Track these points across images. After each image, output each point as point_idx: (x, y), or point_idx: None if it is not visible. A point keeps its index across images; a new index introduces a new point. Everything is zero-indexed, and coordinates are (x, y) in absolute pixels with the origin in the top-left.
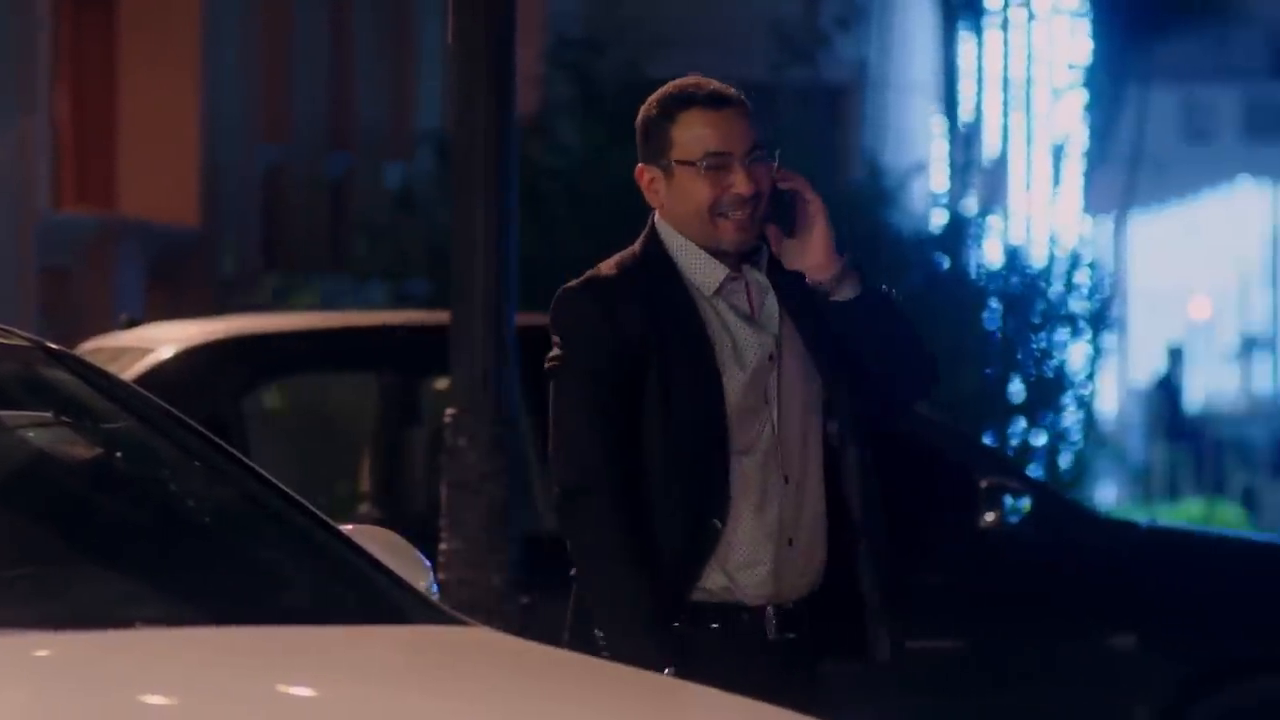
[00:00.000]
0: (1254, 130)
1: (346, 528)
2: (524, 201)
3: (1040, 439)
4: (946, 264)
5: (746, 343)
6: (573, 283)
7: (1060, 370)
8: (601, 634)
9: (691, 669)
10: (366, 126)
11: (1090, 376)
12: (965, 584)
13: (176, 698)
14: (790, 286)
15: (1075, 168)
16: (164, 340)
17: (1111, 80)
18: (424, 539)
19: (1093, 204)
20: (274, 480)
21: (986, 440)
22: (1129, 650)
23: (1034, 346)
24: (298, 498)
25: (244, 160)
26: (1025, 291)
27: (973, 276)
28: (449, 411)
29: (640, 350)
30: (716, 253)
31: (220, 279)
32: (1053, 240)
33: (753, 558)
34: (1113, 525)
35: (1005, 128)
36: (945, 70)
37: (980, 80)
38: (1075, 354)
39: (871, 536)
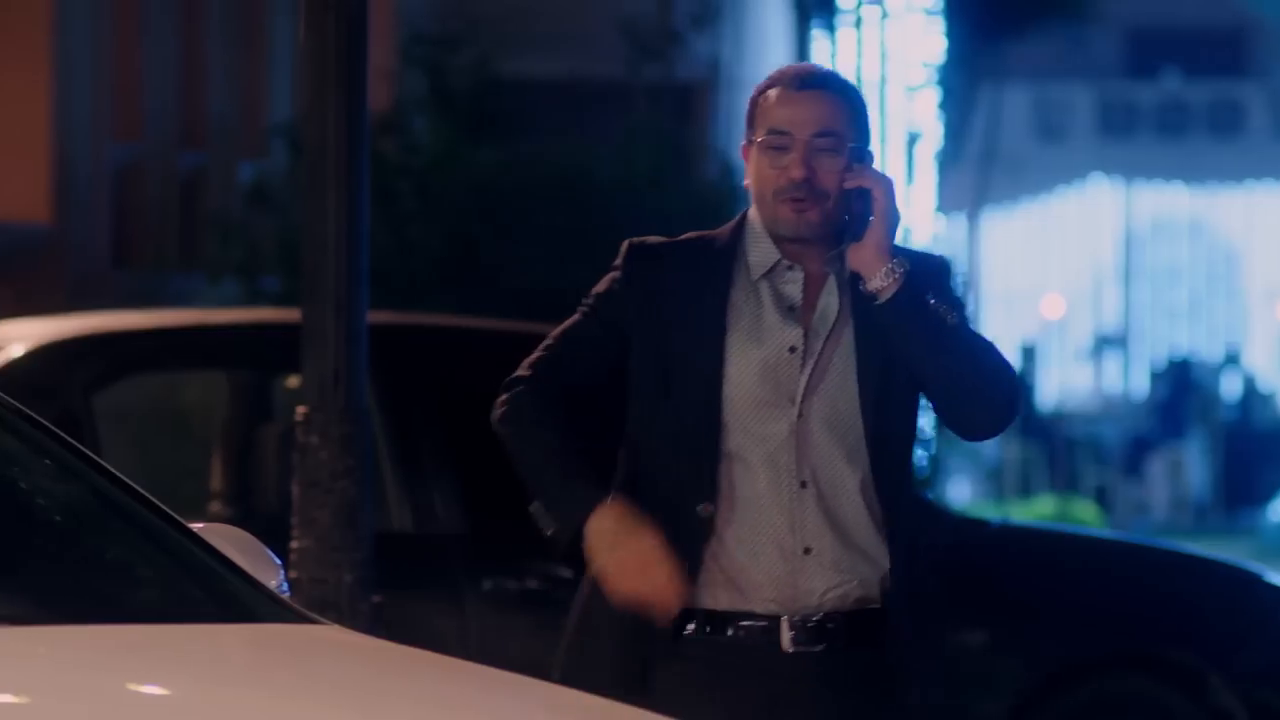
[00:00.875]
0: (1107, 129)
1: (197, 526)
2: (376, 199)
3: None
4: None
5: (770, 330)
6: (642, 238)
7: None
8: (538, 505)
9: (701, 679)
10: (218, 123)
11: None
12: None
13: (26, 696)
14: (859, 292)
15: (929, 166)
16: (14, 338)
17: (965, 79)
18: (275, 538)
19: (946, 202)
20: (124, 478)
21: None
22: (980, 648)
23: None
24: (148, 496)
25: (95, 157)
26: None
27: None
28: (300, 409)
29: (637, 313)
30: (781, 238)
31: (72, 277)
32: (905, 238)
33: (755, 564)
34: (964, 523)
35: None
36: None
37: None
38: None
39: (892, 556)
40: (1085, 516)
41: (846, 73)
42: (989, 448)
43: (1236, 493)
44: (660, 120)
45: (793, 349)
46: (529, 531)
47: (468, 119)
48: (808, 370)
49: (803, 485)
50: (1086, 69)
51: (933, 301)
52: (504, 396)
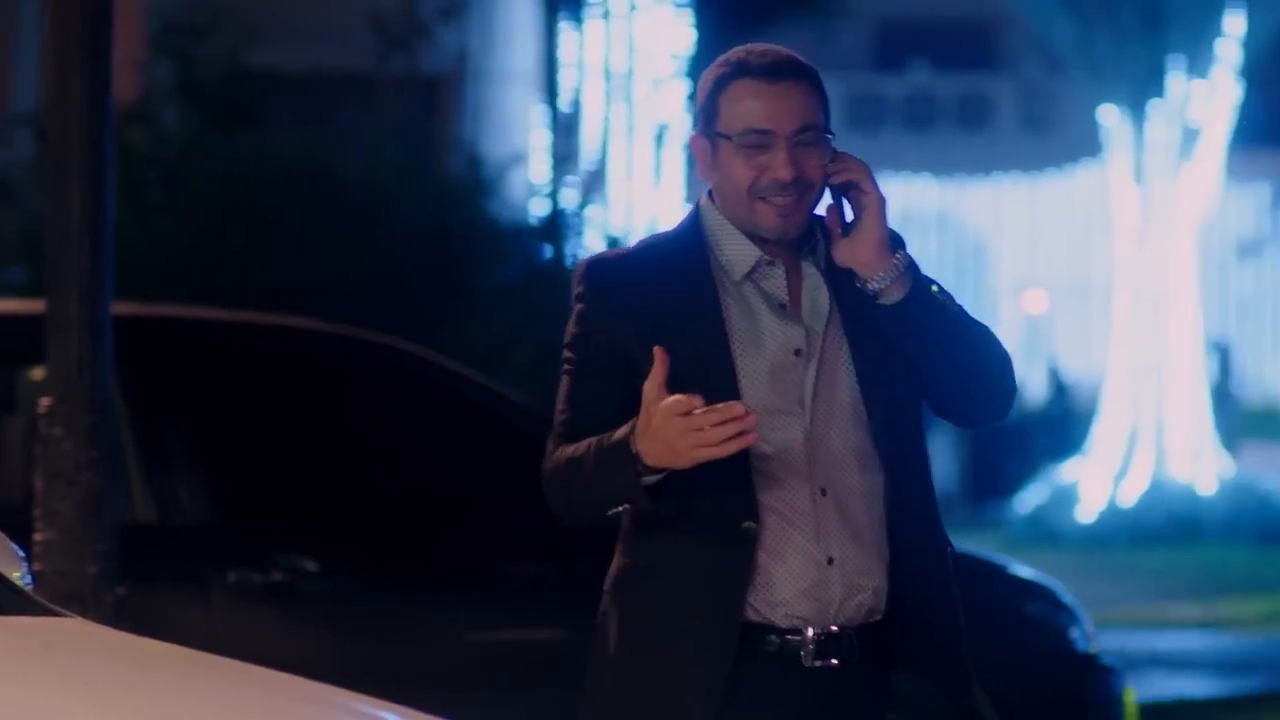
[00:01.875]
0: (856, 121)
1: None
2: (121, 189)
3: None
4: (546, 255)
5: (770, 333)
6: (595, 253)
7: None
8: (610, 494)
9: (722, 694)
10: None
11: None
12: (562, 575)
13: None
14: (848, 286)
15: (676, 158)
16: None
17: None
18: (20, 530)
19: (694, 194)
20: None
21: None
22: None
23: None
24: None
25: None
26: None
27: (572, 267)
28: (44, 401)
29: (627, 337)
30: (756, 236)
31: None
32: (653, 230)
33: (784, 576)
34: None
35: (607, 118)
36: (546, 61)
37: (581, 71)
38: None
39: (908, 557)
40: None
41: (594, 65)
42: None
43: (983, 485)
44: (407, 113)
45: (798, 351)
46: (276, 524)
47: (216, 110)
48: (812, 371)
49: (822, 493)
50: (835, 61)
51: (937, 290)
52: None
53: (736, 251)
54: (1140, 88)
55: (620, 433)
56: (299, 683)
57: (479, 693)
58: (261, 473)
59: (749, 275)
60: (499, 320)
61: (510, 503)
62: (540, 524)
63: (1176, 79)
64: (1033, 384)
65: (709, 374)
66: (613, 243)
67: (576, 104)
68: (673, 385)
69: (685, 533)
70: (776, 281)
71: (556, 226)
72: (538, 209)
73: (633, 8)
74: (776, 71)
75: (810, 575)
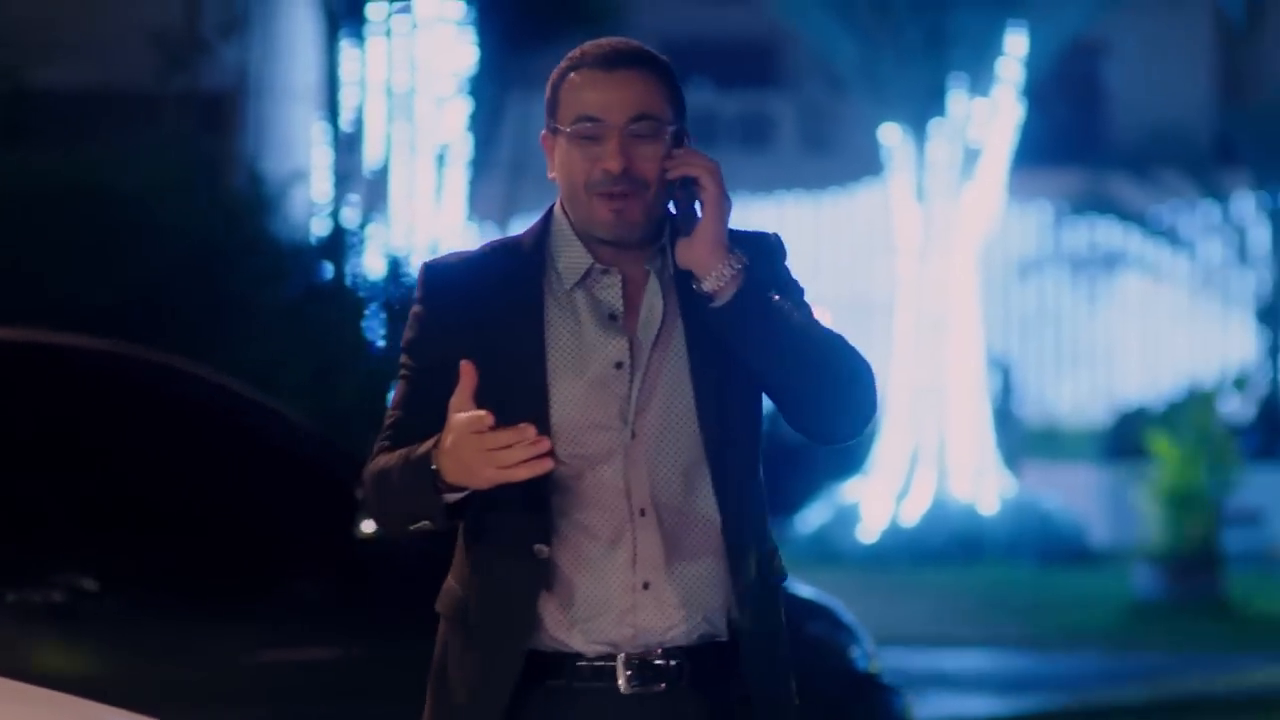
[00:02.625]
0: None
1: None
2: None
3: None
4: (326, 274)
5: (592, 345)
6: (438, 255)
7: None
8: (414, 505)
9: None
10: None
11: None
12: (343, 594)
13: None
14: (692, 292)
15: (458, 176)
16: None
17: (495, 89)
18: None
19: (476, 212)
20: None
21: (364, 451)
22: None
23: None
24: None
25: None
26: (405, 301)
27: (353, 286)
28: None
29: (457, 345)
30: (594, 239)
31: None
32: (434, 249)
33: (600, 602)
34: None
35: (388, 136)
36: (328, 78)
37: (363, 88)
38: None
39: (743, 577)
40: None
41: (376, 83)
42: None
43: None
44: (188, 130)
45: (619, 364)
46: (55, 544)
47: None
48: (637, 384)
49: (641, 513)
50: None
51: (776, 298)
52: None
53: (571, 257)
54: (921, 107)
55: (425, 447)
56: (78, 703)
57: (262, 710)
58: (39, 492)
59: (580, 283)
60: (276, 338)
61: (291, 520)
62: (321, 541)
63: (958, 98)
64: None
65: (520, 388)
66: (393, 262)
67: (358, 122)
68: (484, 398)
69: (483, 555)
70: (610, 290)
71: (337, 245)
72: (319, 227)
73: (414, 26)
74: (613, 60)
75: (622, 600)
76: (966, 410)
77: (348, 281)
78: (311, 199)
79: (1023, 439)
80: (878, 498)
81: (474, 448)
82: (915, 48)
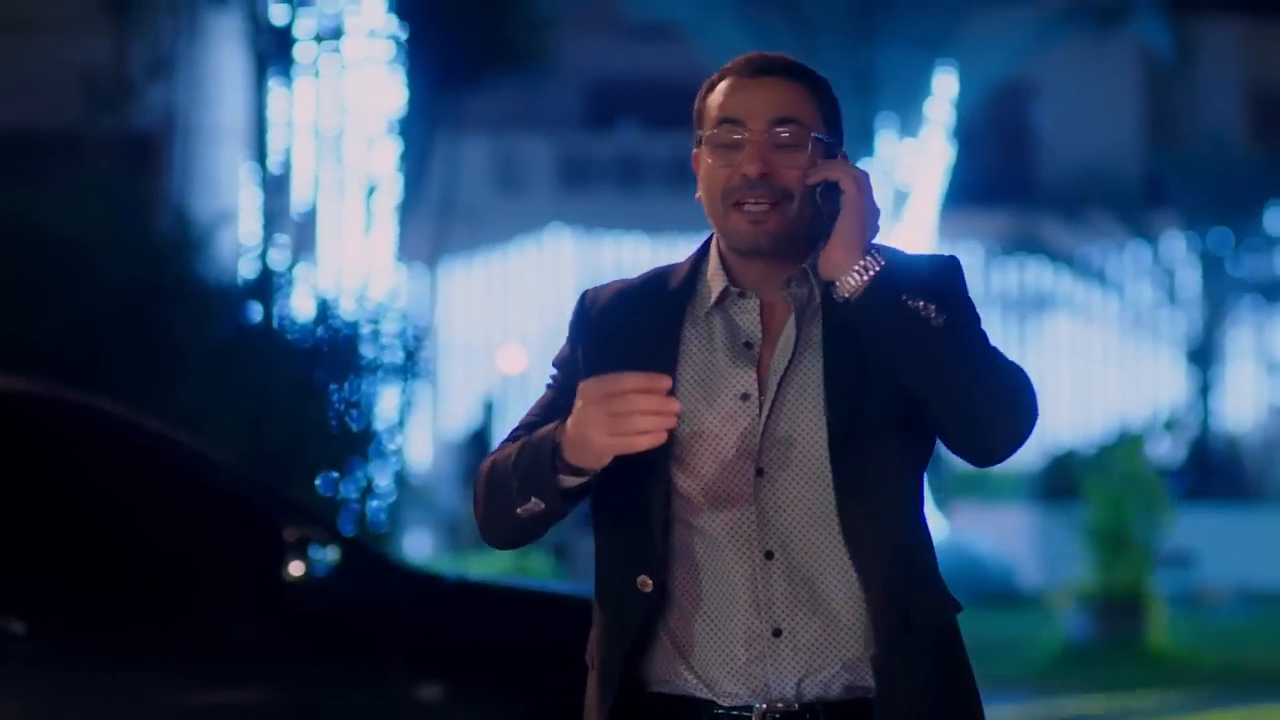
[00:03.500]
0: (567, 180)
1: None
2: None
3: (351, 491)
4: (255, 315)
5: (721, 374)
6: (596, 286)
7: (370, 421)
8: (534, 486)
9: None
10: None
11: (401, 427)
12: (270, 636)
13: None
14: (837, 313)
15: (387, 217)
16: None
17: (424, 130)
18: None
19: (405, 253)
20: None
21: (295, 492)
22: (437, 703)
23: (343, 398)
24: None
25: None
26: (335, 342)
27: (281, 327)
28: None
29: (594, 363)
30: (737, 257)
31: None
32: (363, 291)
33: (721, 647)
34: (419, 577)
35: (317, 177)
36: (256, 118)
37: (292, 129)
38: (386, 405)
39: (884, 621)
40: (542, 569)
41: (304, 123)
42: (448, 502)
43: None
44: (115, 170)
45: (745, 396)
46: None
47: None
48: (763, 417)
49: (768, 556)
50: (545, 121)
51: (908, 300)
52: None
53: (713, 280)
54: (850, 147)
55: (549, 426)
56: None
57: None
58: None
59: (718, 306)
60: (207, 380)
61: (218, 562)
62: (249, 583)
63: (887, 139)
64: None
65: None
66: (321, 304)
67: (287, 162)
68: None
69: (603, 590)
70: (748, 315)
71: (266, 286)
72: (247, 268)
73: (343, 66)
74: (760, 67)
75: (750, 649)
76: None
77: (277, 323)
78: (240, 240)
79: (953, 480)
80: None
81: (600, 408)
82: (843, 87)
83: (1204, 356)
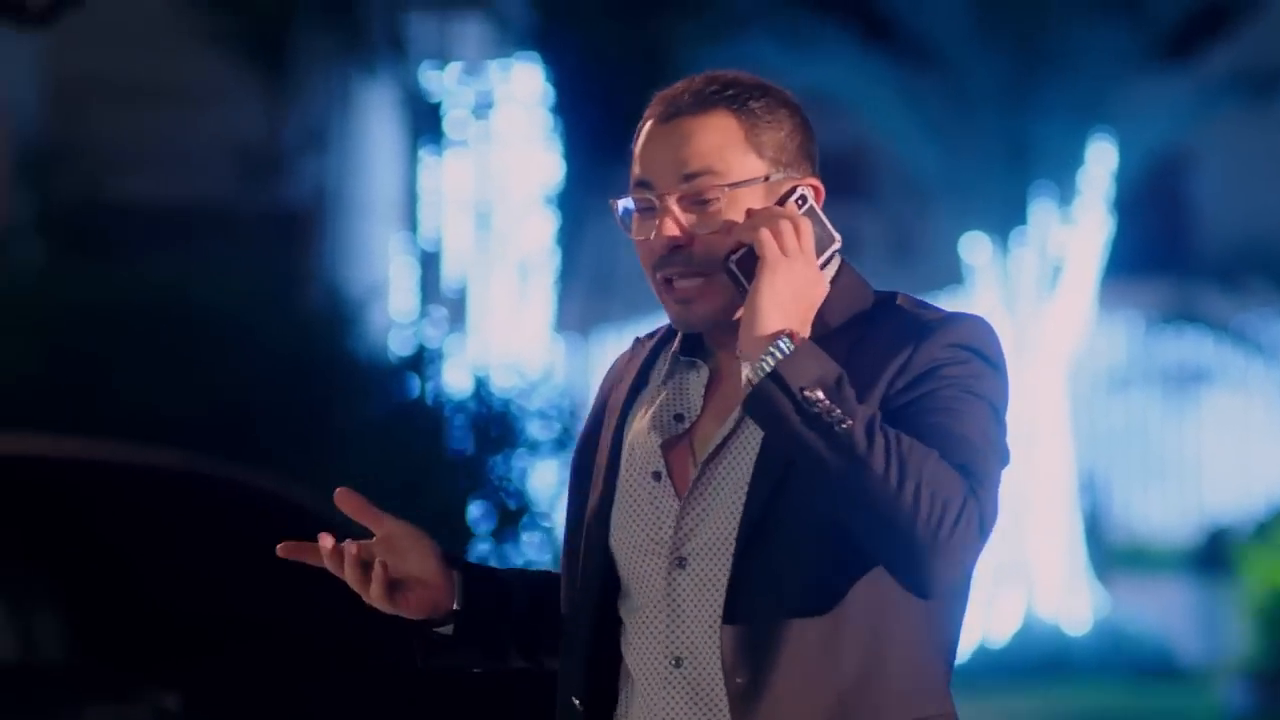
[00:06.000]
0: None
1: None
2: None
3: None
4: (409, 390)
5: (642, 452)
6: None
7: (523, 495)
8: None
9: None
10: None
11: (556, 502)
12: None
13: None
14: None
15: (542, 289)
16: None
17: (578, 200)
18: None
19: (561, 325)
20: None
21: None
22: None
23: (499, 472)
24: None
25: None
26: (490, 417)
27: (436, 402)
28: None
29: (579, 447)
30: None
31: None
32: (519, 364)
33: None
34: None
35: (470, 250)
36: (409, 193)
37: (444, 202)
38: (540, 478)
39: None
40: None
41: (456, 196)
42: None
43: None
44: (267, 244)
45: (656, 474)
46: (137, 661)
47: (74, 239)
48: (673, 501)
49: (676, 663)
50: None
51: (806, 394)
52: None
53: (671, 347)
54: (1006, 218)
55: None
56: None
57: None
58: (119, 607)
59: (672, 376)
60: (360, 455)
61: (373, 644)
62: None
63: (1043, 208)
64: None
65: (599, 499)
66: (478, 381)
67: (439, 235)
68: (578, 510)
69: (557, 705)
70: (693, 385)
71: (419, 360)
72: (400, 343)
73: (497, 139)
74: (672, 108)
75: None
76: (1055, 526)
77: (431, 398)
78: (392, 314)
79: (1112, 555)
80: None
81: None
82: (998, 157)
83: None
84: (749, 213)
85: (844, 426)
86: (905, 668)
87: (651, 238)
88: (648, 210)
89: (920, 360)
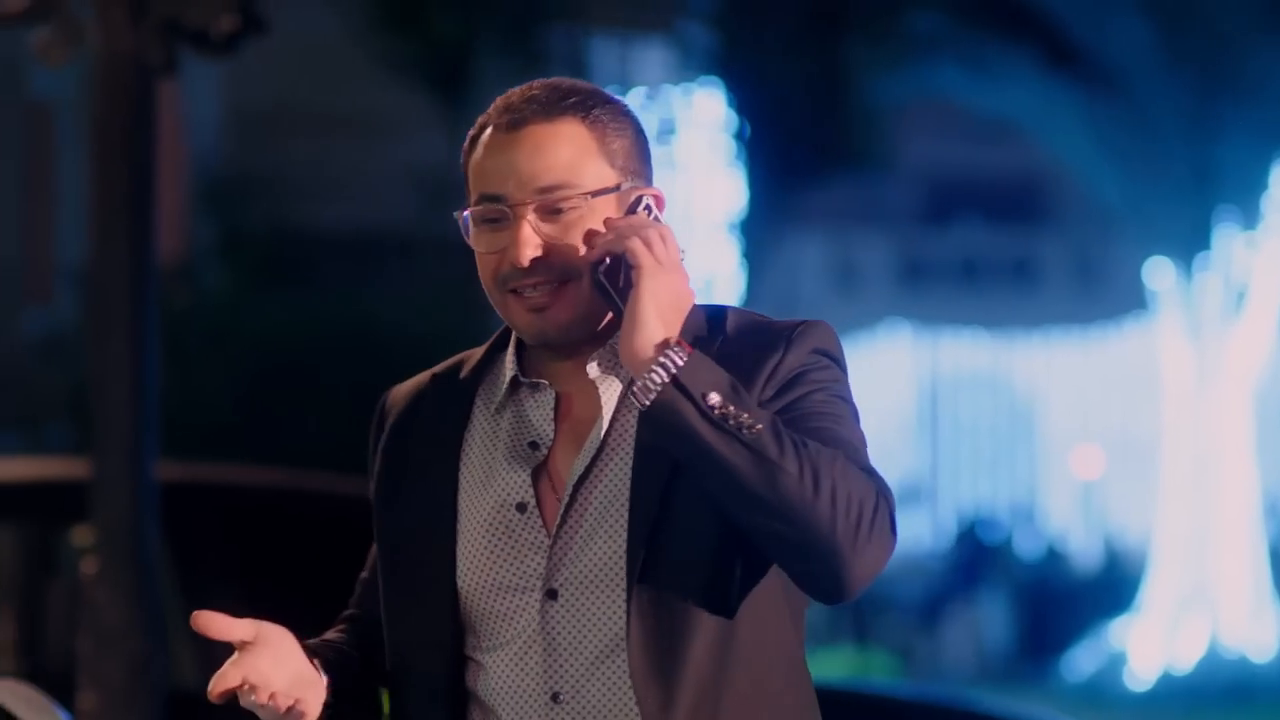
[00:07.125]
0: (906, 277)
1: None
2: (164, 347)
3: None
4: None
5: (497, 481)
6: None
7: None
8: None
9: None
10: (1, 266)
11: None
12: None
13: None
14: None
15: None
16: None
17: (765, 228)
18: (64, 693)
19: None
20: None
21: None
22: None
23: None
24: None
25: None
26: None
27: None
28: (88, 562)
29: (380, 490)
30: (535, 344)
31: None
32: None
33: None
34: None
35: None
36: None
37: None
38: None
39: None
40: (884, 668)
41: None
42: None
43: (1035, 645)
44: (446, 271)
45: (521, 506)
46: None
47: (259, 267)
48: (555, 531)
49: (554, 698)
50: (885, 217)
51: (709, 400)
52: None
53: (508, 367)
54: (1190, 243)
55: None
56: None
57: None
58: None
59: (509, 402)
60: None
61: None
62: None
63: (1226, 233)
64: (1080, 541)
65: (431, 539)
66: None
67: None
68: (397, 552)
69: None
70: (540, 409)
71: None
72: None
73: (682, 165)
74: (517, 116)
75: None
76: (1240, 552)
77: None
78: None
79: None
80: (1149, 642)
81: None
82: (1182, 182)
83: None
84: (607, 223)
85: (752, 431)
86: (790, 680)
87: (511, 251)
88: (494, 221)
89: (787, 367)
